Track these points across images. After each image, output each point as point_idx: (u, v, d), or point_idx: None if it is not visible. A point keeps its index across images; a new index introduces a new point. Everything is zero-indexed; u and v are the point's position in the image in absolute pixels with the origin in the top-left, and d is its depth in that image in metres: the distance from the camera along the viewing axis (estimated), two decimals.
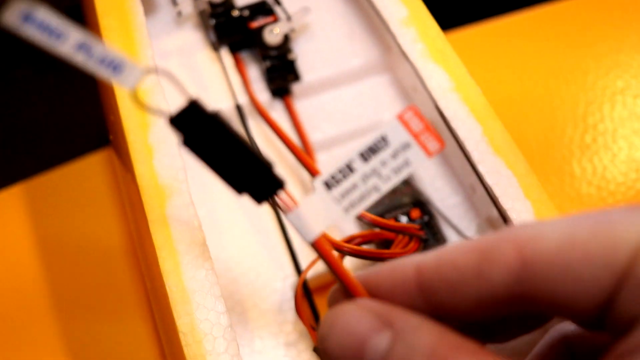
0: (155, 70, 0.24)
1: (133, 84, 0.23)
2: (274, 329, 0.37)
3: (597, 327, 0.20)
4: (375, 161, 0.23)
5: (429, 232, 0.39)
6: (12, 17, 0.20)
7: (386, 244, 0.36)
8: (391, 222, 0.35)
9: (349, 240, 0.35)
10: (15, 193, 0.48)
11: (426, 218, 0.39)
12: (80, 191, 0.47)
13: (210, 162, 0.24)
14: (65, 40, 0.22)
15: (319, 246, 0.24)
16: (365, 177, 0.23)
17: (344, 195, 0.23)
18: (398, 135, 0.23)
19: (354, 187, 0.23)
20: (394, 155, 0.23)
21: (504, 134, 0.36)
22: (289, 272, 0.39)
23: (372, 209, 0.39)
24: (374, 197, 0.23)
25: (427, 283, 0.21)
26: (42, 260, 0.45)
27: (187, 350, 0.29)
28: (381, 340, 0.20)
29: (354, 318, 0.21)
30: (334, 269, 0.23)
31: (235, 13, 0.43)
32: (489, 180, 0.34)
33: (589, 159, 0.48)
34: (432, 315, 0.21)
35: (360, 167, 0.23)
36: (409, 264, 0.22)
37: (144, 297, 0.43)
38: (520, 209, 0.34)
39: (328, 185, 0.23)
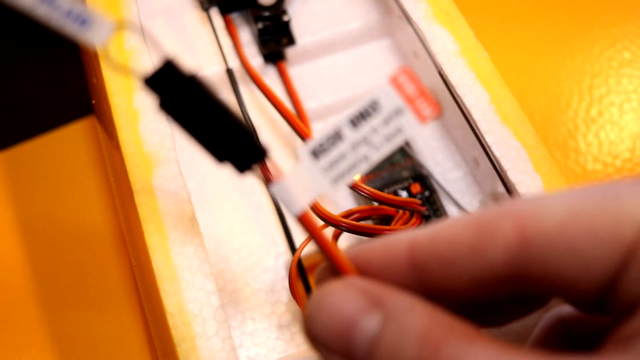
0: (127, 26, 0.22)
1: (102, 41, 0.21)
2: (266, 310, 0.36)
3: (597, 309, 0.19)
4: (365, 128, 0.21)
5: (429, 208, 0.37)
6: None
7: (386, 220, 0.35)
8: (392, 197, 0.33)
9: (347, 215, 0.33)
10: None
11: (427, 193, 0.38)
12: (61, 161, 0.46)
13: (188, 127, 0.22)
14: None
15: (305, 220, 0.21)
16: (355, 145, 0.21)
17: (332, 164, 0.21)
18: (390, 100, 0.21)
19: (343, 156, 0.21)
20: (386, 122, 0.21)
21: (512, 103, 0.34)
22: (283, 249, 0.37)
23: (370, 182, 0.38)
24: (363, 167, 0.21)
25: (421, 260, 0.20)
26: (21, 236, 0.43)
27: (176, 333, 0.28)
28: (371, 322, 0.19)
29: (341, 298, 0.19)
30: (321, 244, 0.21)
31: None
32: (496, 152, 0.33)
33: (595, 134, 0.46)
34: (426, 295, 0.20)
35: (350, 134, 0.21)
36: (401, 240, 0.20)
37: (130, 276, 0.41)
38: (529, 183, 0.32)
39: (315, 154, 0.21)
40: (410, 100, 0.21)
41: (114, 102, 0.33)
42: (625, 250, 0.17)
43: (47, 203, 0.44)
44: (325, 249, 0.21)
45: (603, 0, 0.53)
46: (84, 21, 0.20)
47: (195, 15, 0.42)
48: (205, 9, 0.42)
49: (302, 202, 0.21)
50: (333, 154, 0.21)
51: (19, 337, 0.40)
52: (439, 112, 0.21)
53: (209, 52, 0.41)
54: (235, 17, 0.42)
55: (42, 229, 0.43)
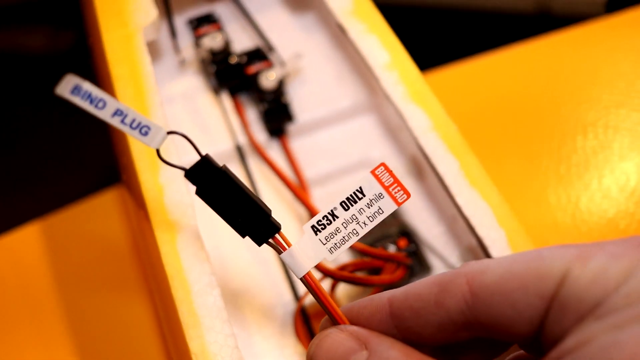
0: (175, 132, 0.28)
1: (158, 144, 0.27)
2: (276, 353, 0.40)
3: (538, 352, 0.24)
4: (353, 209, 0.28)
5: (415, 260, 0.42)
6: (64, 89, 0.25)
7: (375, 271, 0.40)
8: (380, 251, 0.39)
9: (342, 268, 0.38)
10: (31, 231, 0.51)
11: (413, 247, 0.43)
12: (94, 226, 0.51)
13: (218, 210, 0.29)
14: (105, 107, 0.26)
15: (308, 281, 0.28)
16: (346, 223, 0.28)
17: (328, 238, 0.28)
18: (372, 188, 0.28)
19: (337, 231, 0.28)
20: (369, 205, 0.28)
21: (479, 168, 0.39)
22: (288, 299, 0.42)
23: (363, 239, 0.42)
24: (353, 239, 0.28)
25: (397, 311, 0.26)
26: (59, 295, 0.48)
27: None
28: (359, 358, 0.25)
29: (337, 339, 0.26)
30: (321, 300, 0.28)
31: (234, 60, 0.47)
32: (466, 211, 0.38)
33: (564, 189, 0.51)
34: (403, 340, 0.26)
35: (342, 214, 0.28)
36: (383, 296, 0.27)
37: (157, 326, 0.46)
38: (494, 237, 0.37)
39: (315, 230, 0.28)
40: (387, 188, 0.27)
41: (142, 179, 0.38)
42: (547, 300, 0.23)
43: (82, 264, 0.49)
44: (324, 303, 0.28)
45: (568, 69, 0.58)
46: (144, 129, 0.27)
47: (207, 98, 0.48)
48: (217, 93, 0.48)
49: (306, 266, 0.28)
50: (329, 229, 0.28)
51: None
52: (409, 196, 0.28)
53: (221, 130, 0.46)
54: (243, 97, 0.48)
55: (78, 288, 0.48)
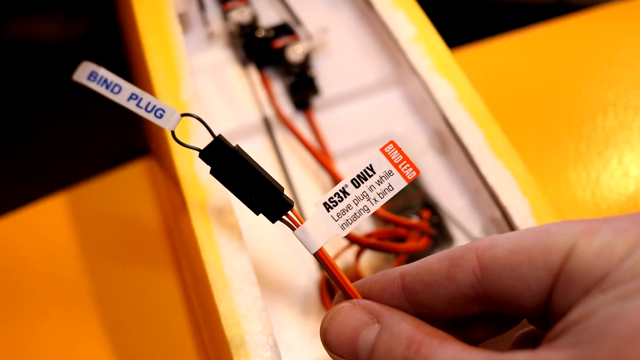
0: (189, 114, 0.29)
1: (173, 126, 0.28)
2: (300, 320, 0.41)
3: (547, 326, 0.25)
4: (364, 186, 0.29)
5: (438, 231, 0.43)
6: (81, 75, 0.26)
7: (400, 240, 0.40)
8: (405, 220, 0.39)
9: (369, 236, 0.39)
10: (57, 203, 0.52)
11: (435, 218, 0.43)
12: (122, 197, 0.51)
13: (232, 189, 0.30)
14: (120, 92, 0.27)
15: (321, 256, 0.29)
16: (357, 199, 0.29)
17: (340, 214, 0.29)
18: (382, 165, 0.29)
19: (348, 207, 0.29)
20: (379, 182, 0.29)
21: (503, 138, 0.40)
22: (312, 268, 0.42)
23: (387, 209, 0.43)
24: (365, 215, 0.29)
25: (409, 285, 0.27)
26: (84, 265, 0.49)
27: (228, 331, 0.33)
28: (370, 332, 0.26)
29: (349, 314, 0.27)
30: (334, 275, 0.29)
31: (261, 33, 0.47)
32: (490, 180, 0.39)
33: (584, 166, 0.52)
34: (414, 314, 0.27)
35: (353, 191, 0.29)
36: (395, 271, 0.27)
37: (183, 295, 0.47)
38: (518, 205, 0.38)
39: (327, 206, 0.29)
40: (396, 165, 0.28)
41: (172, 145, 0.39)
42: (554, 273, 0.23)
43: (109, 233, 0.50)
44: (337, 278, 0.28)
45: (588, 49, 0.59)
46: (160, 112, 0.28)
47: (235, 70, 0.49)
48: (245, 65, 0.48)
49: (318, 243, 0.29)
50: (341, 206, 0.29)
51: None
52: (418, 173, 0.28)
53: (248, 102, 0.47)
54: (269, 71, 0.48)
55: (105, 258, 0.49)
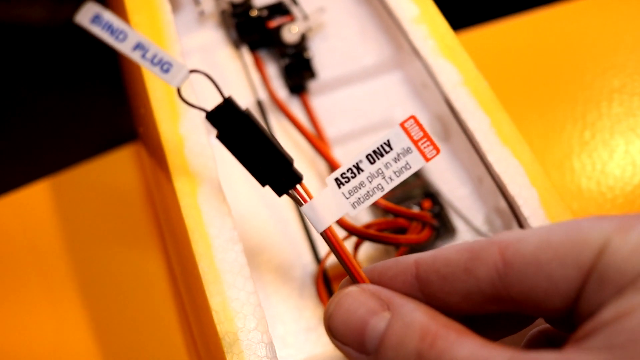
0: (197, 71, 0.27)
1: (179, 82, 0.26)
2: (295, 315, 0.39)
3: (568, 327, 0.23)
4: (379, 163, 0.26)
5: (440, 222, 0.41)
6: (84, 17, 0.24)
7: (400, 232, 0.38)
8: (406, 210, 0.37)
9: (367, 226, 0.37)
10: (40, 188, 0.50)
11: (437, 209, 0.41)
12: (108, 184, 0.49)
13: (239, 156, 0.27)
14: (125, 40, 0.25)
15: (329, 236, 0.27)
16: (371, 177, 0.26)
17: (351, 192, 0.27)
18: (401, 141, 0.26)
19: (361, 185, 0.27)
20: (396, 159, 0.26)
21: (510, 126, 0.38)
22: (308, 260, 0.41)
23: (386, 199, 0.41)
24: (378, 195, 0.27)
25: (423, 275, 0.24)
26: (69, 252, 0.47)
27: (220, 328, 0.31)
28: (380, 321, 0.23)
29: (357, 299, 0.24)
30: (341, 257, 0.26)
31: (255, 13, 0.45)
32: (497, 168, 0.37)
33: (589, 155, 0.50)
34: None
35: (367, 168, 0.27)
36: (409, 258, 0.25)
37: (171, 283, 0.45)
38: (526, 196, 0.36)
39: (338, 183, 0.26)
40: (416, 142, 0.26)
41: (162, 130, 0.37)
42: (584, 271, 0.22)
43: (94, 222, 0.48)
44: (345, 261, 0.26)
45: (593, 34, 0.57)
46: (165, 66, 0.25)
47: (227, 52, 0.47)
48: (237, 47, 0.46)
49: (327, 221, 0.26)
50: (353, 183, 0.27)
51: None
52: (439, 152, 0.26)
53: (241, 85, 0.45)
54: (263, 53, 0.46)
55: (89, 246, 0.47)
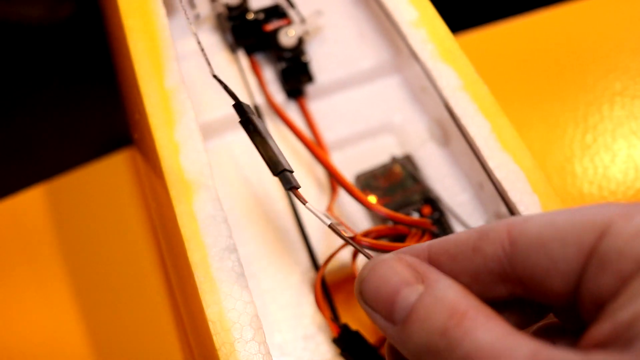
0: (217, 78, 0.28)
1: None
2: (292, 322, 0.39)
3: (574, 321, 0.24)
4: None
5: (439, 228, 0.40)
6: None
7: (399, 238, 0.38)
8: (405, 217, 0.37)
9: (366, 234, 0.36)
10: (35, 194, 0.49)
11: (436, 215, 0.41)
12: (103, 189, 0.49)
13: (256, 143, 0.29)
14: None
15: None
16: None
17: None
18: None
19: None
20: None
21: (511, 131, 0.37)
22: (306, 267, 0.40)
23: (385, 206, 0.41)
24: None
25: (434, 257, 0.25)
26: (65, 259, 0.46)
27: (217, 338, 0.31)
28: (412, 292, 0.23)
29: (393, 268, 0.24)
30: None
31: (251, 16, 0.45)
32: (498, 175, 0.36)
33: (590, 159, 0.50)
34: None
35: None
36: (423, 245, 0.25)
37: (169, 290, 0.45)
38: (528, 202, 0.35)
39: None
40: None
41: (157, 136, 0.36)
42: (585, 252, 0.21)
43: (88, 227, 0.47)
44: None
45: (595, 35, 0.57)
46: None
47: (223, 56, 0.46)
48: (233, 51, 0.46)
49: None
50: None
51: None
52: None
53: (237, 89, 0.44)
54: (259, 57, 0.46)
55: (84, 252, 0.46)
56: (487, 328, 0.21)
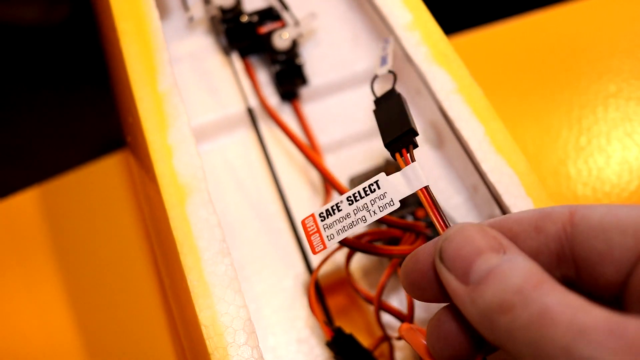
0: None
1: None
2: (286, 326, 0.39)
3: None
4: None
5: (433, 231, 0.40)
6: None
7: (393, 241, 0.38)
8: (399, 220, 0.37)
9: (360, 237, 0.36)
10: (29, 197, 0.49)
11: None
12: (96, 192, 0.49)
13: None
14: None
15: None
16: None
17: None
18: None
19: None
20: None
21: (505, 134, 0.37)
22: (300, 270, 0.40)
23: None
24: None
25: None
26: (58, 261, 0.46)
27: (210, 343, 0.31)
28: (492, 258, 0.23)
29: (478, 234, 0.24)
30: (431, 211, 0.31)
31: (245, 18, 0.44)
32: (491, 178, 0.36)
33: (584, 161, 0.50)
34: None
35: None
36: (484, 223, 0.26)
37: (161, 296, 0.44)
38: (522, 206, 0.35)
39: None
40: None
41: (150, 139, 0.36)
42: None
43: (82, 230, 0.47)
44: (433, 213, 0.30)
45: (588, 38, 0.56)
46: None
47: (217, 58, 0.46)
48: (227, 53, 0.45)
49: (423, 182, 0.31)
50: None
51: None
52: (325, 248, 0.29)
53: (231, 92, 0.44)
54: (253, 59, 0.46)
55: (78, 255, 0.46)
56: (559, 297, 0.21)
